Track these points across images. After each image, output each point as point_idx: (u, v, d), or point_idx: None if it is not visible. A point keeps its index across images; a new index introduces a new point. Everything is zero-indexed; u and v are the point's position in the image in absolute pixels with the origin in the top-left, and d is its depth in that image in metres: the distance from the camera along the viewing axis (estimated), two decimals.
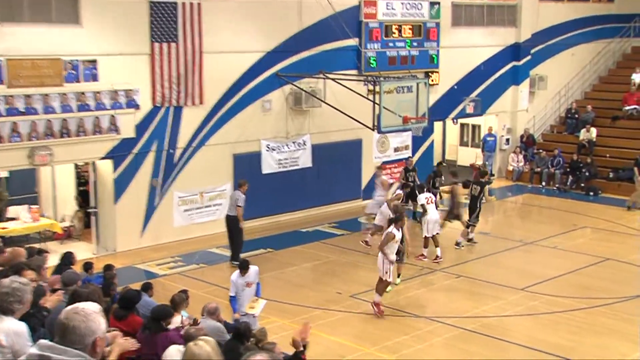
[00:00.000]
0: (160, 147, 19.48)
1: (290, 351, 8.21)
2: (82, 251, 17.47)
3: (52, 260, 12.42)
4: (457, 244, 19.29)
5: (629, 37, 31.77)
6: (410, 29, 24.38)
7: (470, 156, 29.69)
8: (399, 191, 19.31)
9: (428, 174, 21.98)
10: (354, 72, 22.86)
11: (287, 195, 22.00)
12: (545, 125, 30.15)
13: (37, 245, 14.44)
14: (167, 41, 19.03)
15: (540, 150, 27.85)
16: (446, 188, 20.36)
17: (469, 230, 19.45)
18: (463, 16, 26.63)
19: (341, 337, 13.71)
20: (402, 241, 15.24)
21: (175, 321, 9.64)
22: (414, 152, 25.25)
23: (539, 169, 27.35)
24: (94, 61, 18.10)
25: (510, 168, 28.33)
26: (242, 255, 16.98)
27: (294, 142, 22.19)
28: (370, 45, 23.37)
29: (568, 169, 26.63)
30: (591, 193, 25.78)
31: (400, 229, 14.78)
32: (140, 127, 19.09)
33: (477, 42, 27.02)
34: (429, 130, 24.42)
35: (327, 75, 21.37)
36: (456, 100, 26.49)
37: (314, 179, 22.57)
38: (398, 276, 16.16)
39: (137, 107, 18.91)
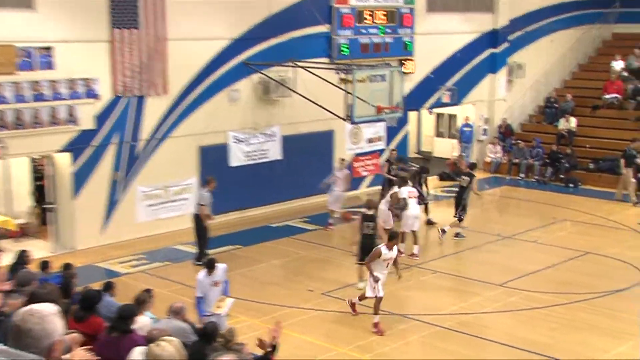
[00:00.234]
0: (122, 139, 19.06)
1: (260, 352, 8.24)
2: (38, 249, 17.17)
3: (7, 260, 12.41)
4: (457, 234, 19.31)
5: (608, 23, 31.40)
6: (383, 14, 23.85)
7: (446, 147, 29.42)
8: (396, 189, 18.52)
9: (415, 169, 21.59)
10: (326, 60, 22.52)
11: (256, 189, 21.63)
12: (523, 115, 29.80)
13: None
14: (128, 27, 18.60)
15: (519, 141, 27.41)
16: None
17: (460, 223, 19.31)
18: (438, 1, 26.18)
19: (313, 336, 13.54)
20: (395, 262, 13.97)
21: (141, 321, 9.27)
22: (388, 143, 24.98)
23: (517, 160, 26.98)
24: (49, 48, 17.62)
25: (488, 159, 27.97)
26: (209, 253, 16.72)
27: (263, 134, 21.83)
28: (342, 31, 22.88)
29: (547, 160, 26.34)
30: (571, 185, 25.49)
31: (391, 249, 13.59)
32: (101, 118, 18.66)
33: (453, 28, 26.64)
34: (403, 121, 24.17)
35: (297, 63, 21.00)
36: (432, 89, 26.23)
37: (284, 171, 22.22)
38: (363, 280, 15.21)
39: (96, 97, 18.50)
